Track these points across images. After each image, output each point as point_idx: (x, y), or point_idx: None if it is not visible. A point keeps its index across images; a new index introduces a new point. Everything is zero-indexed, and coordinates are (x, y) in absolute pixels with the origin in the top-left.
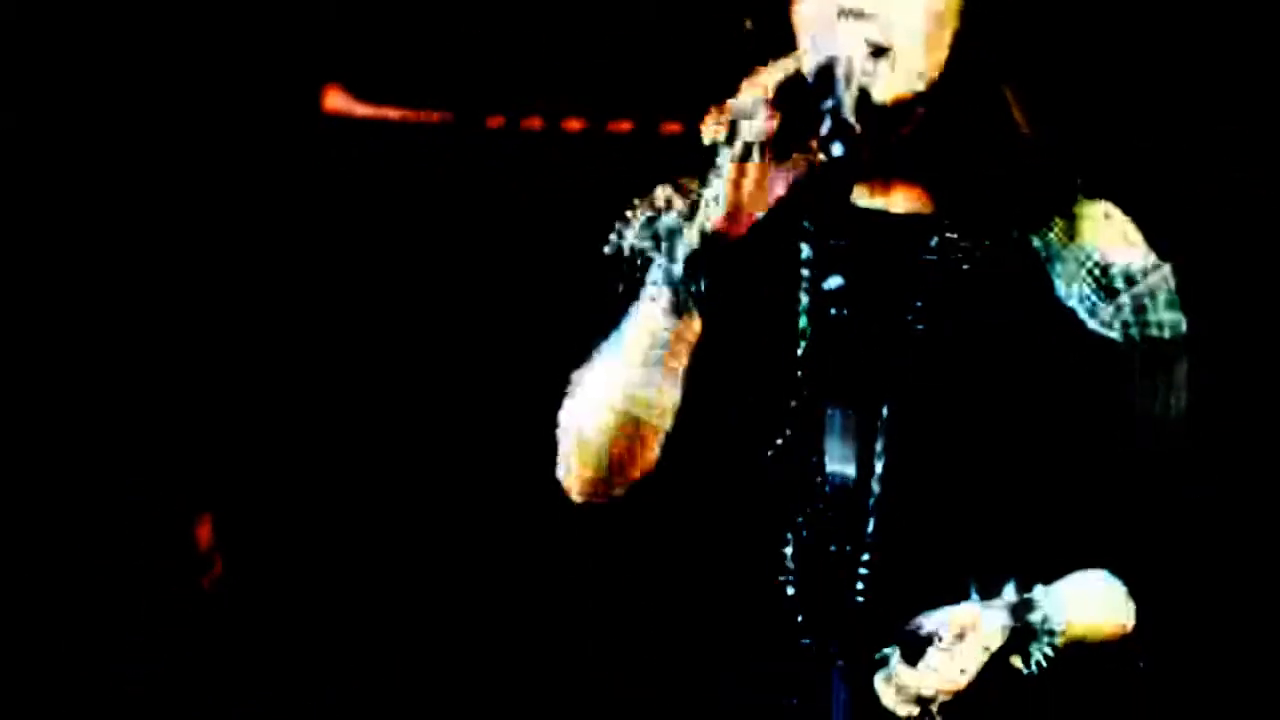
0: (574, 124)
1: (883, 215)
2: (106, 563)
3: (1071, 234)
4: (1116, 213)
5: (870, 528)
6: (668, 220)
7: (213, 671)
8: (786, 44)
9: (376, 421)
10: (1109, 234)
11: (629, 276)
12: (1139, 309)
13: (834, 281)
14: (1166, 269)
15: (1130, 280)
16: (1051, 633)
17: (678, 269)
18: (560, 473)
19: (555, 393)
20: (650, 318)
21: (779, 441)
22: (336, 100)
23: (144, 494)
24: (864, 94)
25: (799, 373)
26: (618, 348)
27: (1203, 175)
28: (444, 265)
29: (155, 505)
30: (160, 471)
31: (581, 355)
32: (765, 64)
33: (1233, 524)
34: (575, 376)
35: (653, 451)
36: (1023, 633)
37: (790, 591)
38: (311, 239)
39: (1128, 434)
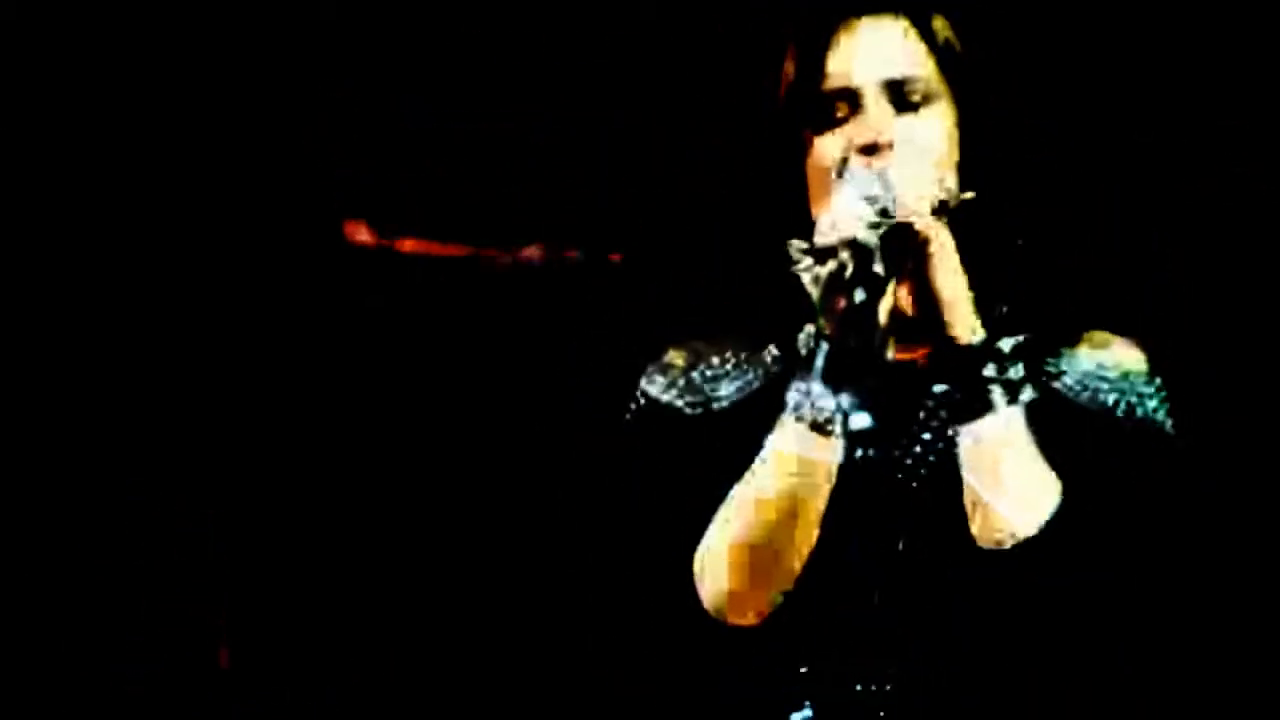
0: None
1: (907, 358)
2: (106, 562)
3: (1075, 349)
4: (1111, 336)
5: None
6: (805, 342)
7: (212, 670)
8: (793, 184)
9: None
10: (1110, 349)
11: (655, 429)
12: (1139, 396)
13: (862, 422)
14: (1159, 380)
15: (1128, 375)
16: None
17: (817, 387)
18: (704, 595)
19: (558, 526)
20: (793, 446)
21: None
22: (358, 233)
23: (148, 498)
24: (891, 230)
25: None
26: (755, 494)
27: (1202, 175)
28: (457, 397)
29: (158, 509)
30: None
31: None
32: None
33: (1233, 528)
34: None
35: (800, 555)
36: None
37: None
38: (329, 370)
39: (1129, 507)
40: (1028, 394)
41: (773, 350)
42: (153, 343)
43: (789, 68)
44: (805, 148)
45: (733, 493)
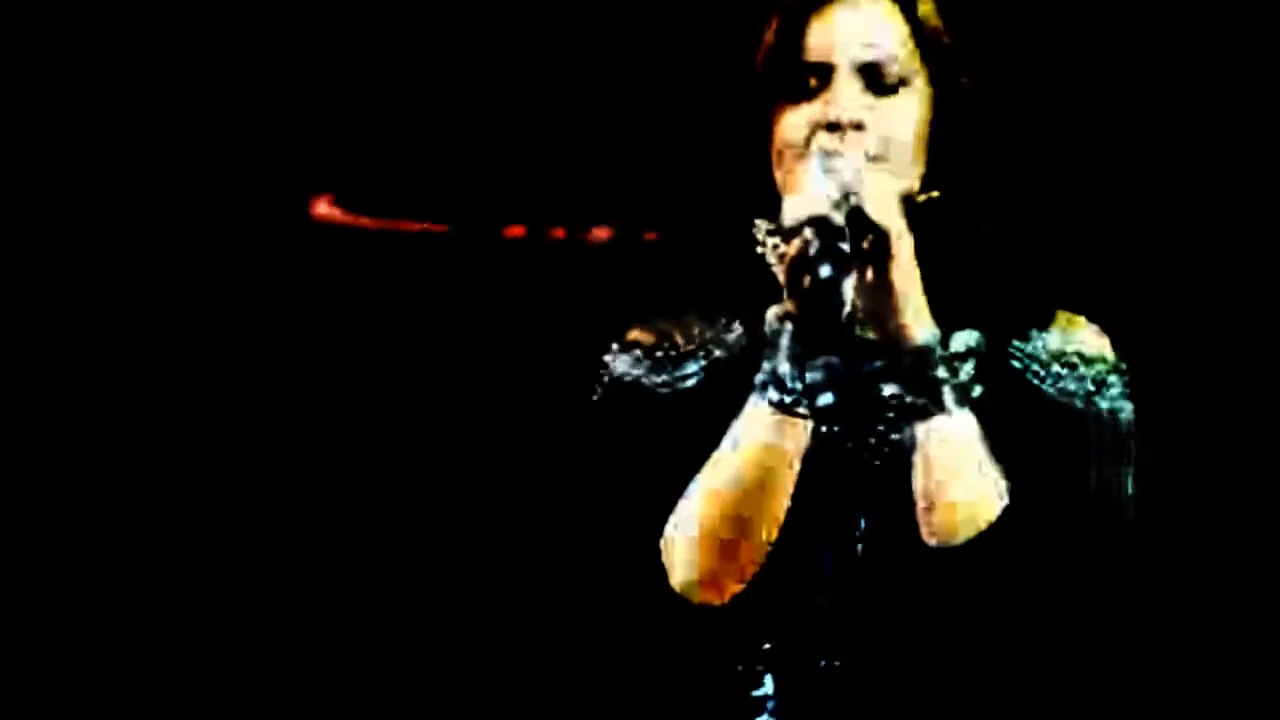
0: (558, 232)
1: (882, 325)
2: (107, 564)
3: (1044, 332)
4: (1079, 319)
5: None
6: (772, 322)
7: (212, 672)
8: (760, 160)
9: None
10: (1078, 332)
11: (621, 408)
12: (1100, 384)
13: (827, 399)
14: (1122, 366)
15: (1090, 362)
16: None
17: (785, 368)
18: (673, 574)
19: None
20: (760, 427)
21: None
22: (324, 209)
23: (145, 497)
24: (853, 212)
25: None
26: (725, 472)
27: (1201, 178)
28: (428, 374)
29: (156, 507)
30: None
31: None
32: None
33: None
34: (679, 507)
35: (769, 534)
36: None
37: (769, 692)
38: (296, 347)
39: (1082, 499)
40: (978, 392)
41: (737, 328)
42: (132, 330)
43: (769, 35)
44: (774, 121)
45: (700, 474)
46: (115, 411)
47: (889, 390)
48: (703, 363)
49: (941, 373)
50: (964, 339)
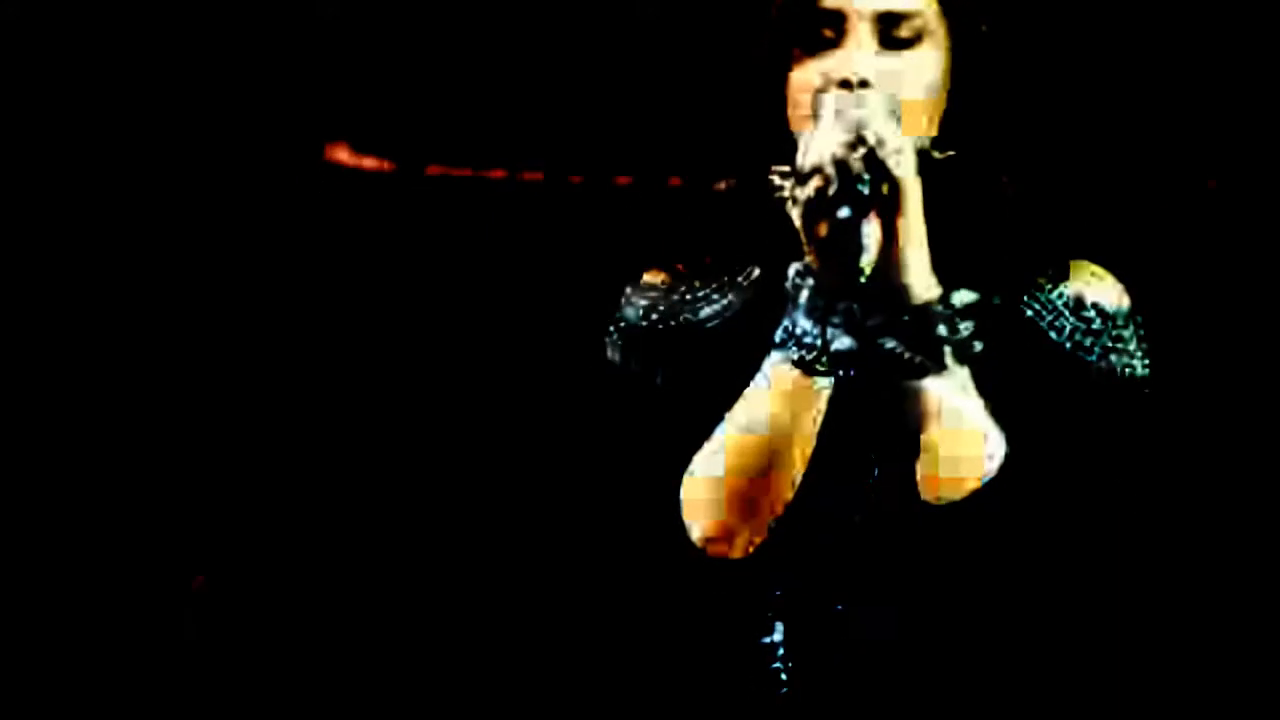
0: (574, 179)
1: (886, 280)
2: (108, 566)
3: (1060, 285)
4: (1102, 272)
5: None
6: (793, 278)
7: (214, 672)
8: (776, 107)
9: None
10: (1098, 286)
11: (639, 353)
12: (1116, 339)
13: (844, 354)
14: (1139, 322)
15: (1109, 317)
16: None
17: (805, 324)
18: (694, 527)
19: (553, 446)
20: (781, 385)
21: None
22: (339, 153)
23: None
24: (870, 156)
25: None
26: (747, 422)
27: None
28: (442, 318)
29: (154, 509)
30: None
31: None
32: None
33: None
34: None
35: (790, 488)
36: None
37: (778, 639)
38: (312, 290)
39: (1088, 454)
40: (978, 349)
41: (754, 272)
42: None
43: None
44: (789, 66)
45: (721, 428)
46: (135, 372)
47: (890, 345)
48: (718, 307)
49: (941, 330)
50: (965, 296)
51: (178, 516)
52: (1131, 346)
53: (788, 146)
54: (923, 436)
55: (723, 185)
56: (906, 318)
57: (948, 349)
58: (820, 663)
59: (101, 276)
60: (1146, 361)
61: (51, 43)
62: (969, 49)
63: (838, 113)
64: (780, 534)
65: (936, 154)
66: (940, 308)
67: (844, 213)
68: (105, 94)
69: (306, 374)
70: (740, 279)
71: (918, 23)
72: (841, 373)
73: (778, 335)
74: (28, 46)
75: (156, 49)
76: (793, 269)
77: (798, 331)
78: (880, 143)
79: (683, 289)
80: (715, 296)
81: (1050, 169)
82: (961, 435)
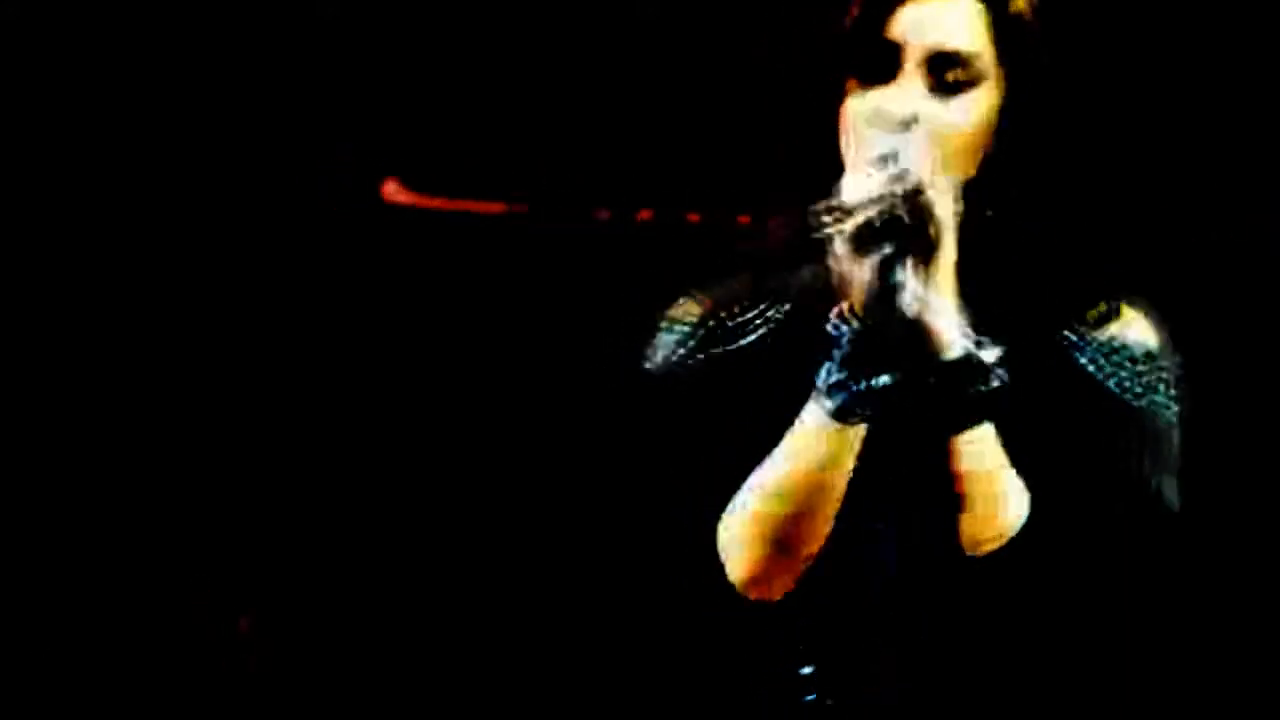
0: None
1: (928, 317)
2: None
3: (1104, 325)
4: (1144, 315)
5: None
6: (833, 322)
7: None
8: (828, 140)
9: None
10: (1138, 327)
11: (670, 385)
12: (1155, 380)
13: (883, 379)
14: (1178, 363)
15: (1148, 358)
16: None
17: (844, 374)
18: (732, 568)
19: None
20: (818, 433)
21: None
22: (394, 192)
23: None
24: (914, 195)
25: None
26: (779, 473)
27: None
28: (493, 355)
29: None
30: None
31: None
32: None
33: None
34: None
35: (824, 533)
36: None
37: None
38: (365, 328)
39: (1123, 492)
40: (1006, 401)
41: (786, 307)
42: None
43: (854, 9)
44: (842, 96)
45: (757, 473)
46: (185, 390)
47: (921, 396)
48: (753, 338)
49: (976, 382)
50: (994, 352)
51: (217, 548)
52: (1170, 389)
53: (833, 176)
54: (955, 486)
55: (773, 222)
56: (942, 368)
57: (981, 400)
58: (851, 703)
59: (151, 311)
60: (1182, 406)
61: (108, 73)
62: (1023, 92)
63: (884, 150)
64: (811, 581)
65: (964, 207)
66: (975, 359)
67: (887, 249)
68: (163, 129)
69: (360, 405)
70: (773, 312)
71: (970, 70)
72: (878, 420)
73: (817, 382)
74: (82, 79)
75: (212, 85)
76: (833, 313)
77: (837, 380)
78: (925, 183)
79: (718, 319)
80: (750, 328)
81: (1094, 209)
82: (993, 486)
